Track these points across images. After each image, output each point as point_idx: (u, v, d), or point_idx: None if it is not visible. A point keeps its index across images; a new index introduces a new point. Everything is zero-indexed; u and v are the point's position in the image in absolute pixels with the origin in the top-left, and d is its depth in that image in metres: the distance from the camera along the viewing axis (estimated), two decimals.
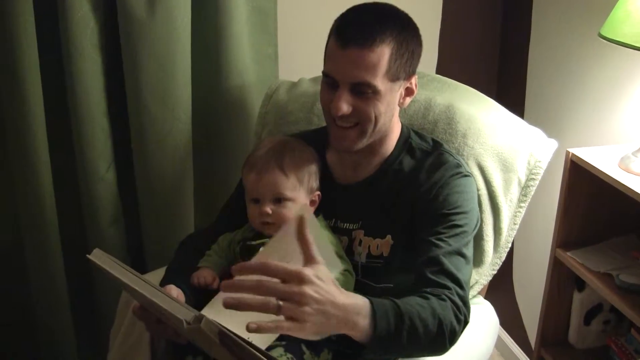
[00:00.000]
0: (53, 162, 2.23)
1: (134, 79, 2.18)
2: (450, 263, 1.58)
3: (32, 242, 2.32)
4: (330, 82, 1.63)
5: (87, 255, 1.46)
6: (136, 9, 2.10)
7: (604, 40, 1.82)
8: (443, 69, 2.72)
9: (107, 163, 2.29)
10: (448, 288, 1.55)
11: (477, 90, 2.10)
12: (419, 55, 1.68)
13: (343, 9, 1.67)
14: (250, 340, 1.30)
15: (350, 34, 1.57)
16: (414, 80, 1.69)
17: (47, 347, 2.48)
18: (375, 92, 1.59)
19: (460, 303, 1.54)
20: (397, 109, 1.70)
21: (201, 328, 1.30)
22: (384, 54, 1.57)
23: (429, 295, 1.51)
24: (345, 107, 1.60)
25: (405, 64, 1.63)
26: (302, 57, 2.46)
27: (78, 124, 2.20)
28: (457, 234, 1.63)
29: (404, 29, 1.62)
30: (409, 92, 1.70)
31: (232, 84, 2.32)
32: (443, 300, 1.51)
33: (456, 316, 1.52)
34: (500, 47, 2.83)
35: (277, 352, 1.55)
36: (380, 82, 1.58)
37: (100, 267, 1.45)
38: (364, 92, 1.59)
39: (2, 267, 2.44)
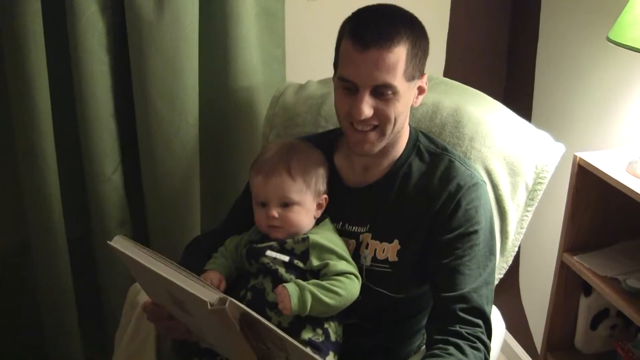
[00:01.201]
0: (60, 162, 2.23)
1: (142, 80, 2.19)
2: (479, 298, 1.61)
3: (39, 242, 2.32)
4: (348, 86, 1.61)
5: (108, 242, 1.46)
6: (144, 10, 2.10)
7: (611, 44, 1.82)
8: (450, 72, 2.72)
9: (114, 164, 2.29)
10: (479, 326, 1.59)
11: (484, 93, 2.10)
12: (428, 54, 1.68)
13: (350, 11, 1.67)
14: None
15: (369, 36, 1.56)
16: (425, 78, 1.70)
17: (53, 347, 2.48)
18: (395, 93, 1.59)
19: (488, 342, 1.60)
20: (410, 106, 1.70)
21: (225, 310, 1.29)
22: (401, 54, 1.57)
23: (465, 347, 1.54)
24: (367, 111, 1.59)
25: (419, 63, 1.63)
26: (309, 59, 2.45)
27: (85, 124, 2.20)
28: (476, 254, 1.64)
29: (415, 29, 1.62)
30: (420, 90, 1.71)
31: (239, 86, 2.32)
32: (478, 350, 1.56)
33: (485, 357, 1.58)
34: (507, 51, 2.83)
35: (282, 356, 1.55)
36: (399, 83, 1.58)
37: (121, 253, 1.44)
38: (384, 94, 1.59)
39: (9, 268, 2.44)
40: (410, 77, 1.61)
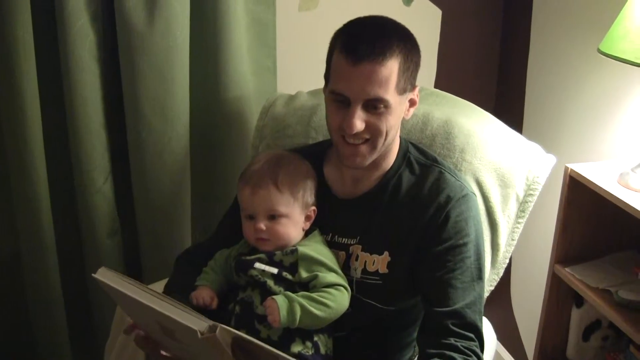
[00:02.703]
0: (50, 173, 2.23)
1: (133, 91, 2.18)
2: (473, 314, 1.60)
3: (29, 253, 2.31)
4: (340, 99, 1.60)
5: (93, 275, 1.45)
6: (135, 20, 2.10)
7: (602, 56, 1.82)
8: (441, 83, 2.72)
9: (104, 175, 2.28)
10: (474, 340, 1.58)
11: (475, 104, 2.09)
12: (419, 66, 1.67)
13: (341, 22, 1.66)
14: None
15: (361, 49, 1.55)
16: (416, 91, 1.69)
17: (44, 357, 2.46)
18: (387, 107, 1.58)
19: (482, 357, 1.59)
20: (401, 118, 1.69)
21: (216, 337, 1.28)
22: (394, 67, 1.56)
23: (459, 358, 1.54)
24: (359, 125, 1.58)
25: (410, 76, 1.62)
26: (300, 70, 2.45)
27: (75, 135, 2.20)
28: (468, 267, 1.64)
29: (407, 41, 1.61)
30: (412, 103, 1.70)
31: (230, 96, 2.32)
32: None
33: None
34: (498, 62, 2.83)
35: None
36: (391, 97, 1.58)
37: (107, 285, 1.44)
38: (376, 108, 1.58)
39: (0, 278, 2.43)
40: (402, 91, 1.60)
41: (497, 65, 2.83)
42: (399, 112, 1.64)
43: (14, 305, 2.47)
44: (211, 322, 1.33)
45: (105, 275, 1.45)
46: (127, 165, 2.33)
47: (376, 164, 1.72)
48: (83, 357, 2.57)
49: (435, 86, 2.70)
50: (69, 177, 2.30)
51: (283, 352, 1.56)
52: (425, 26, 2.65)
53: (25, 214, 2.25)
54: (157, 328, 1.47)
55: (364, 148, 1.64)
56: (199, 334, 1.31)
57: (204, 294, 1.68)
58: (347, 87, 1.58)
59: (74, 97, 2.15)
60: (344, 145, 1.65)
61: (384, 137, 1.63)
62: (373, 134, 1.62)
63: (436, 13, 2.66)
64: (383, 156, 1.72)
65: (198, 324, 1.33)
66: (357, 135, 1.61)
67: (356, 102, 1.57)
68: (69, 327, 2.45)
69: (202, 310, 1.64)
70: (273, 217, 1.66)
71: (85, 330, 2.54)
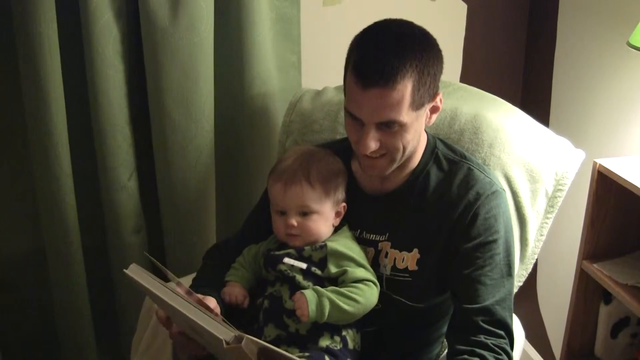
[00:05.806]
0: (75, 170, 2.23)
1: (157, 87, 2.18)
2: (502, 311, 1.59)
3: (54, 250, 2.32)
4: (354, 117, 1.59)
5: (125, 270, 1.46)
6: (159, 16, 2.10)
7: (630, 49, 1.80)
8: (467, 77, 2.70)
9: (129, 171, 2.29)
10: (503, 338, 1.57)
11: (501, 99, 2.08)
12: (441, 72, 1.63)
13: (366, 17, 1.64)
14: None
15: (370, 74, 1.51)
16: (438, 97, 1.65)
17: (68, 355, 2.48)
18: (401, 126, 1.56)
19: (512, 354, 1.58)
20: (424, 127, 1.67)
21: (241, 348, 1.29)
22: (406, 88, 1.52)
23: (490, 359, 1.53)
24: (373, 145, 1.58)
25: (428, 89, 1.57)
26: (325, 65, 2.44)
27: (100, 131, 2.20)
28: (497, 264, 1.62)
29: (424, 55, 1.55)
30: (434, 109, 1.66)
31: (255, 92, 2.31)
32: None
33: None
34: (525, 56, 2.81)
35: None
36: (405, 116, 1.55)
37: (137, 282, 1.44)
38: (391, 127, 1.56)
39: (25, 275, 2.44)
40: (418, 106, 1.57)
41: (523, 59, 2.81)
42: (417, 125, 1.61)
43: (39, 302, 2.48)
44: (237, 332, 1.34)
45: (136, 273, 1.45)
46: (151, 161, 2.33)
47: (402, 165, 1.70)
48: (108, 353, 2.57)
49: (461, 80, 2.68)
50: (94, 174, 2.31)
51: (311, 346, 1.58)
52: (451, 20, 2.64)
53: (50, 211, 2.25)
54: (186, 325, 1.48)
55: (382, 161, 1.63)
56: (224, 343, 1.31)
57: (237, 292, 1.68)
58: (359, 111, 1.57)
59: (99, 93, 2.15)
60: (363, 158, 1.64)
61: (401, 151, 1.61)
62: (390, 150, 1.61)
63: (462, 7, 2.64)
64: (408, 158, 1.69)
65: (225, 333, 1.34)
66: (374, 151, 1.60)
67: (369, 124, 1.56)
68: (94, 323, 2.46)
69: (233, 307, 1.65)
70: (304, 213, 1.66)
71: (110, 326, 2.55)
